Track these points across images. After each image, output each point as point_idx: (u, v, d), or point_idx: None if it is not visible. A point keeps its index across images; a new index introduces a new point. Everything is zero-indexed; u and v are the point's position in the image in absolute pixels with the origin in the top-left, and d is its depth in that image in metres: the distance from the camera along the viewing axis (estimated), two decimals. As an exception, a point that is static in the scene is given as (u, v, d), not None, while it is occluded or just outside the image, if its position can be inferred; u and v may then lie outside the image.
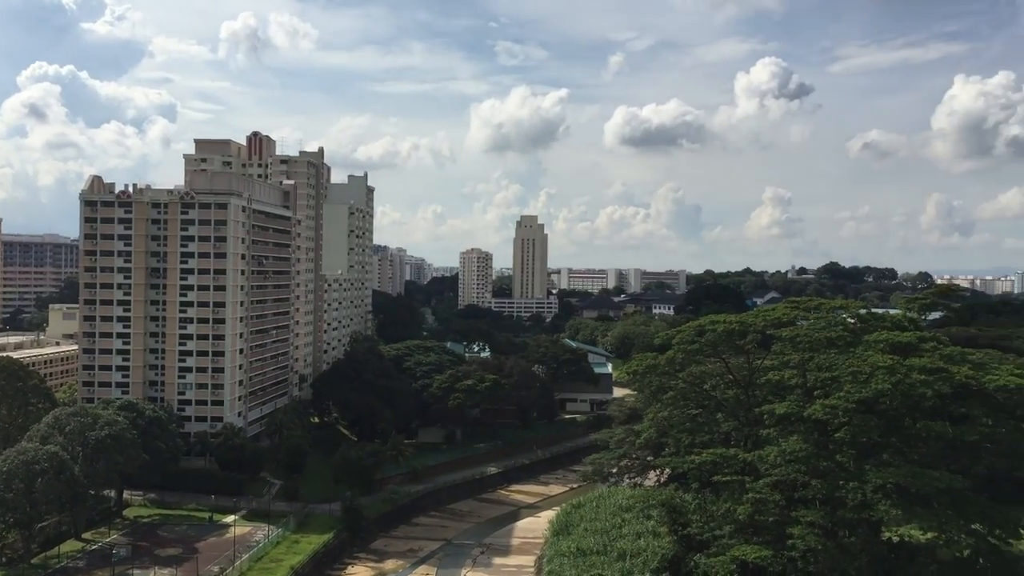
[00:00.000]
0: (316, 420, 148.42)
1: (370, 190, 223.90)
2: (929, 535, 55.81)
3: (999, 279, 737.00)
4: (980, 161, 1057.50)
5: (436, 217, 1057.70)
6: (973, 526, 59.03)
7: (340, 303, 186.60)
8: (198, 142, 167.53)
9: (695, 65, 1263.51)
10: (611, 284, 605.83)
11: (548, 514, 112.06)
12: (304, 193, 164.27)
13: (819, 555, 60.83)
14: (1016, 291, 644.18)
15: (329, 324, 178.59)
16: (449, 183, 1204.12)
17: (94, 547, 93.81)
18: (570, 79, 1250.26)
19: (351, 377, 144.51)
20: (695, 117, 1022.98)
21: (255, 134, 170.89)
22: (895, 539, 57.71)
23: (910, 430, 64.34)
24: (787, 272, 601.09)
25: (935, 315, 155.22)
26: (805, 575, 65.37)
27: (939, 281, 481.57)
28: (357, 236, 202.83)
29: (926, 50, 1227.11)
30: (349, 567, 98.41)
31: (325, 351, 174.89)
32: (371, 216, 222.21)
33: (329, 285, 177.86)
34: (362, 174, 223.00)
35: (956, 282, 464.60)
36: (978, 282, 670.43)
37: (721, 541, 69.86)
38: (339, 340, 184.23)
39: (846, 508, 61.88)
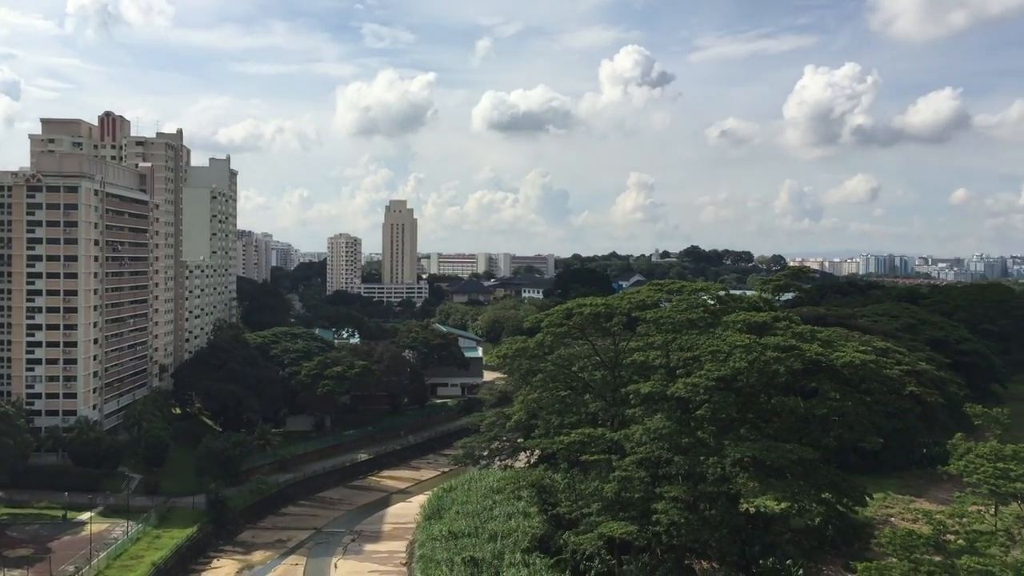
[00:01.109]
0: (178, 411, 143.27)
1: (233, 173, 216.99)
2: (783, 505, 58.64)
3: (846, 261, 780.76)
4: (828, 149, 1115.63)
5: (303, 201, 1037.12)
6: (823, 495, 62.36)
7: (203, 290, 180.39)
8: (45, 121, 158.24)
9: (561, 52, 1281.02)
10: (481, 269, 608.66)
11: (420, 499, 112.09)
12: (162, 176, 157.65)
13: (682, 528, 63.07)
14: (861, 272, 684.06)
15: (191, 312, 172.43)
16: (316, 167, 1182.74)
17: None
18: (438, 63, 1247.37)
19: (215, 366, 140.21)
20: (561, 103, 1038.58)
21: (108, 114, 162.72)
22: (752, 510, 60.44)
23: (765, 405, 67.42)
24: (651, 255, 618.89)
25: (788, 296, 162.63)
26: (669, 548, 67.79)
27: (792, 263, 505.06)
28: (220, 221, 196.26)
29: (779, 42, 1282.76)
30: (215, 560, 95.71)
31: (187, 340, 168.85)
32: (234, 200, 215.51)
33: (191, 272, 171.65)
34: (224, 157, 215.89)
35: (807, 264, 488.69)
36: (827, 264, 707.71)
37: (589, 518, 71.48)
38: (202, 328, 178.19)
39: (707, 482, 64.31)
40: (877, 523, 78.84)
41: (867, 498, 69.26)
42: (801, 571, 70.92)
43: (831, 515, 63.37)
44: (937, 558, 47.50)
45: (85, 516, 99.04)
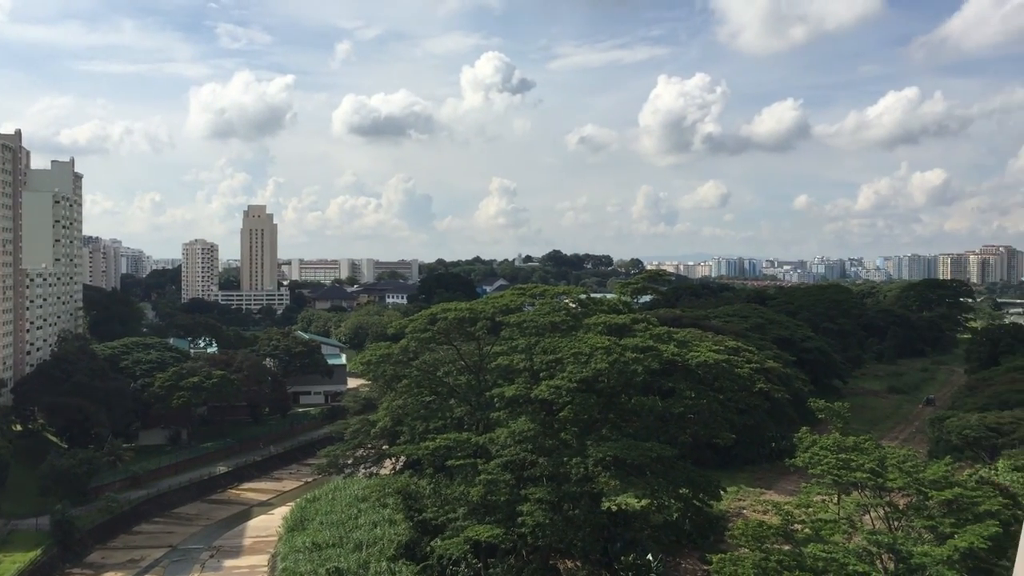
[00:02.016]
0: (19, 428, 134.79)
1: (78, 177, 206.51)
2: (643, 502, 60.28)
3: (699, 264, 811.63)
4: (681, 156, 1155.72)
5: (155, 206, 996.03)
6: (681, 491, 64.49)
7: (45, 300, 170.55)
8: None
9: (423, 56, 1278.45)
10: (344, 274, 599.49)
11: (282, 510, 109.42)
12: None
13: (547, 529, 63.94)
14: (713, 274, 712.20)
15: (32, 323, 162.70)
16: (168, 170, 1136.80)
17: None
18: (296, 65, 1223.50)
19: (60, 379, 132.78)
20: (423, 108, 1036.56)
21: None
22: (613, 508, 61.92)
23: (625, 405, 69.19)
24: (514, 260, 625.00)
25: (646, 298, 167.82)
26: (534, 549, 68.63)
27: (649, 267, 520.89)
28: (63, 227, 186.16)
29: (633, 52, 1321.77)
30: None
31: (28, 352, 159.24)
32: (80, 205, 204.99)
33: (31, 280, 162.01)
34: (68, 159, 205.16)
35: (663, 267, 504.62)
36: (682, 267, 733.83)
37: (455, 523, 71.51)
38: (45, 340, 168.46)
39: (570, 482, 65.44)
40: (731, 516, 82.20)
41: (721, 492, 72.09)
42: (661, 565, 73.32)
43: (688, 510, 65.61)
44: (786, 547, 49.90)
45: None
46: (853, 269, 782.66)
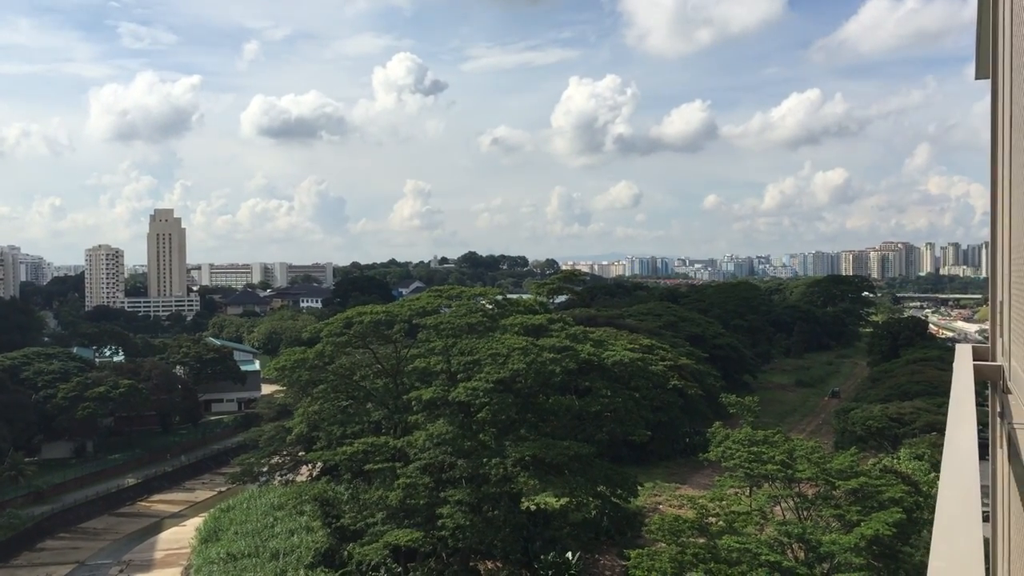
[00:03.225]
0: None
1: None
2: (562, 501, 60.82)
3: (613, 263, 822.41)
4: (593, 157, 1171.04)
5: (55, 211, 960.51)
6: (599, 488, 65.27)
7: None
8: None
9: (333, 57, 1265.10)
10: (256, 279, 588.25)
11: (195, 521, 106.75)
12: None
13: (467, 531, 63.92)
14: (627, 273, 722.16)
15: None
16: (69, 174, 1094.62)
17: None
18: (202, 66, 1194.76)
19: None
20: (335, 109, 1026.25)
21: None
22: (533, 507, 62.30)
23: (543, 405, 69.72)
24: (430, 262, 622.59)
25: (562, 298, 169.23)
26: (455, 551, 68.55)
27: (564, 267, 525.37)
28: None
29: (545, 54, 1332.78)
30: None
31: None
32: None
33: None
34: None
35: (578, 267, 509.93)
36: (596, 267, 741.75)
37: (374, 528, 70.96)
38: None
39: (490, 483, 65.57)
40: (647, 511, 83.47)
41: (638, 488, 73.25)
42: (580, 563, 74.07)
43: (606, 507, 66.46)
44: (701, 540, 51.00)
45: None
46: (761, 266, 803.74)
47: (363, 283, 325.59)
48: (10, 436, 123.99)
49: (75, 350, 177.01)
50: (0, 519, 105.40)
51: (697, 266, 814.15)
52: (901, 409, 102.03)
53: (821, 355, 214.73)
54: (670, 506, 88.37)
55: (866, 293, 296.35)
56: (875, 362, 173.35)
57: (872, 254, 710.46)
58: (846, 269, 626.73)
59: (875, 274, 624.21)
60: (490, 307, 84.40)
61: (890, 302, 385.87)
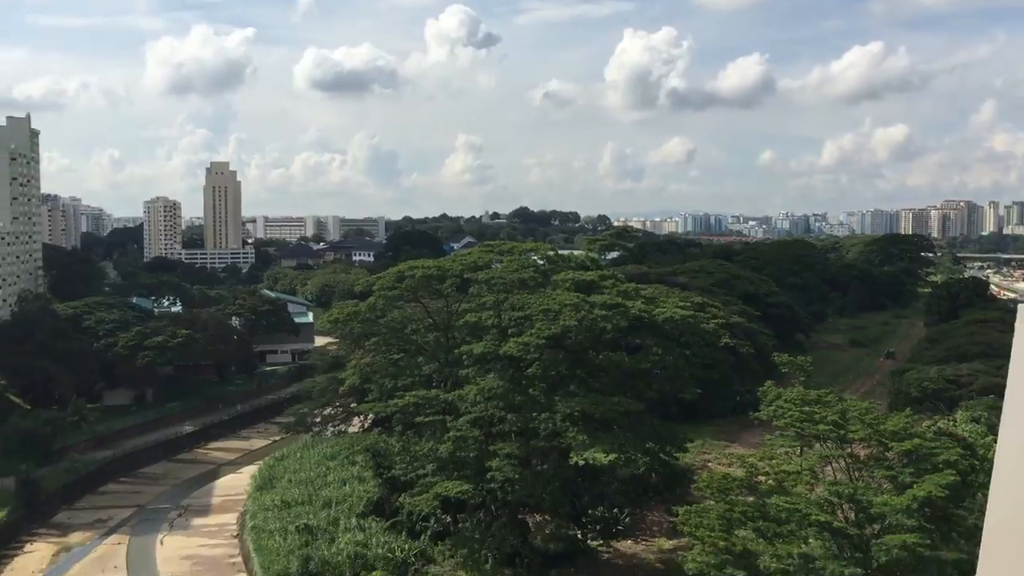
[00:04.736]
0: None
1: (34, 133, 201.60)
2: (611, 456, 60.88)
3: (665, 220, 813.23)
4: (646, 112, 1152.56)
5: (114, 163, 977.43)
6: (647, 445, 65.28)
7: (3, 259, 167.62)
8: None
9: (387, 10, 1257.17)
10: (310, 232, 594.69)
11: (250, 469, 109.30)
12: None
13: (516, 484, 64.58)
14: (680, 231, 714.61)
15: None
16: (127, 127, 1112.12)
17: None
18: (256, 19, 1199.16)
19: (20, 340, 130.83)
20: (387, 62, 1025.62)
21: None
22: (581, 462, 62.48)
23: (593, 362, 69.69)
24: (481, 217, 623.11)
25: (613, 254, 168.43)
26: (503, 504, 69.30)
27: (616, 223, 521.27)
28: (21, 184, 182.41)
29: (600, 6, 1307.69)
30: (27, 545, 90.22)
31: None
32: (37, 162, 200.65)
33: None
34: (23, 115, 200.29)
35: (630, 224, 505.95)
36: (648, 223, 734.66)
37: (424, 480, 71.95)
38: (4, 300, 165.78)
39: (539, 438, 66.01)
40: (696, 469, 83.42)
41: (687, 446, 73.13)
42: (628, 518, 74.44)
43: (655, 463, 66.48)
44: (750, 498, 50.79)
45: None
46: (817, 224, 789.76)
47: (415, 237, 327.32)
48: (73, 383, 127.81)
49: (134, 300, 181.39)
50: (64, 463, 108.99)
51: (751, 224, 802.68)
52: (958, 371, 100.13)
53: (877, 315, 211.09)
54: (719, 464, 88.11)
55: (925, 253, 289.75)
56: (933, 323, 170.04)
57: (933, 213, 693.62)
58: (905, 228, 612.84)
59: (935, 233, 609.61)
60: (541, 263, 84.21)
61: (950, 262, 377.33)
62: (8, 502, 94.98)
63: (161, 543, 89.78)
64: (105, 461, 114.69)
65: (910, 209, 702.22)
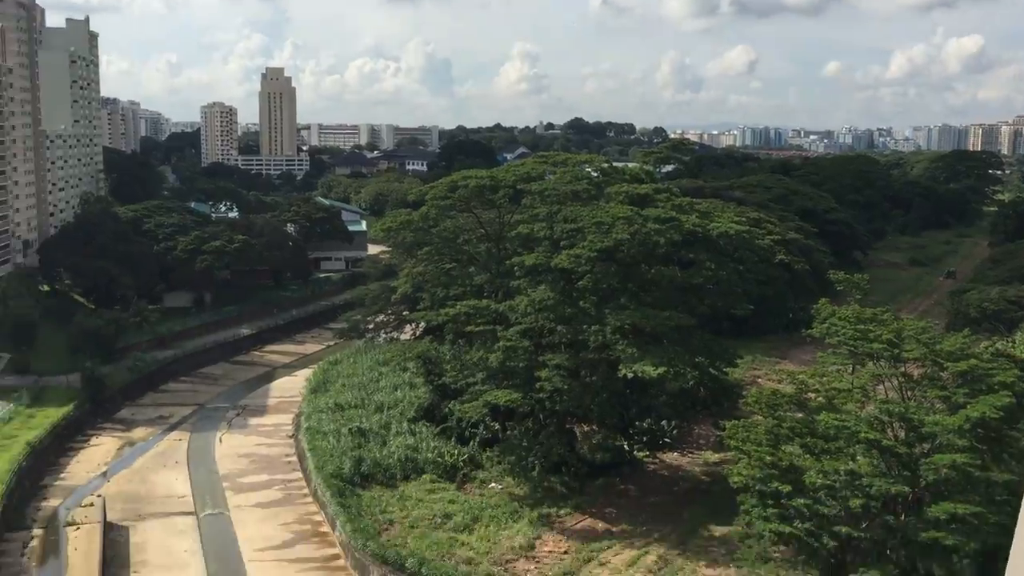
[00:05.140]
0: (46, 289, 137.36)
1: (93, 35, 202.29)
2: (660, 370, 61.03)
3: (724, 133, 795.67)
4: (708, 20, 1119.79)
5: (171, 67, 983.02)
6: (697, 359, 65.27)
7: (66, 161, 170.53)
8: None
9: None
10: (363, 140, 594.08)
11: (305, 373, 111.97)
12: (14, 38, 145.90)
13: (564, 394, 65.27)
14: (738, 144, 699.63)
15: (54, 184, 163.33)
16: (183, 31, 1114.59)
17: None
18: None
19: (83, 241, 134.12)
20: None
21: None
22: (630, 375, 62.76)
23: (645, 275, 69.31)
24: (535, 128, 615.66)
25: (669, 168, 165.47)
26: (551, 413, 70.20)
27: (672, 136, 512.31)
28: (81, 88, 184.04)
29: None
30: (94, 438, 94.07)
31: (52, 214, 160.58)
32: (96, 65, 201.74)
33: (52, 141, 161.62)
34: (83, 18, 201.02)
35: (687, 136, 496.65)
36: (706, 136, 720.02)
37: (474, 388, 73.04)
38: (67, 202, 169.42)
39: (588, 350, 66.30)
40: (745, 384, 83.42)
41: (737, 361, 72.96)
42: (674, 430, 75.01)
43: (704, 378, 66.53)
44: (799, 415, 50.70)
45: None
46: (881, 139, 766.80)
47: (468, 147, 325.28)
48: (134, 285, 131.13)
49: (192, 205, 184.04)
50: (126, 361, 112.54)
51: (813, 138, 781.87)
52: (1021, 292, 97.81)
53: (939, 234, 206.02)
54: (769, 380, 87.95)
55: (993, 170, 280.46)
56: (997, 243, 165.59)
57: (1004, 128, 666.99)
58: (974, 144, 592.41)
59: (1005, 150, 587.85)
60: (595, 175, 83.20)
61: (1019, 180, 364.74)
62: (75, 397, 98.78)
63: (220, 441, 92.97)
64: (166, 361, 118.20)
65: (980, 125, 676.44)
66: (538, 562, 58.86)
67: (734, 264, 70.87)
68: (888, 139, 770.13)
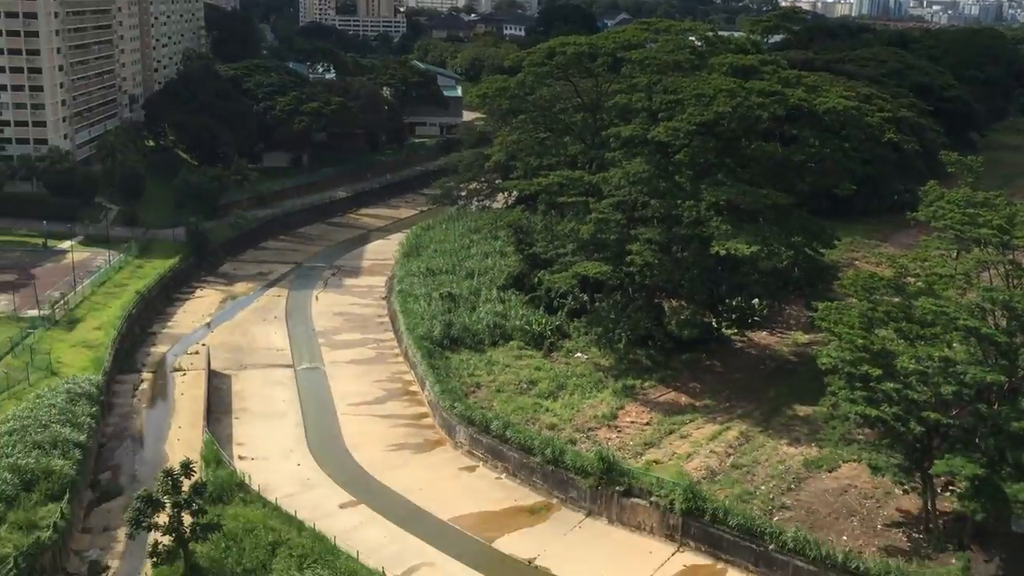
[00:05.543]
0: (151, 144, 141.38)
1: None
2: (753, 248, 60.08)
3: (838, 2, 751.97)
4: None
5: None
6: (793, 239, 63.96)
7: (168, 17, 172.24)
8: None
9: None
10: (461, 2, 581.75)
11: (398, 237, 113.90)
12: None
13: (655, 269, 65.04)
14: (853, 14, 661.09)
15: (158, 40, 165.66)
16: None
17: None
18: None
19: (186, 98, 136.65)
20: None
21: None
22: (722, 252, 61.95)
23: (745, 151, 67.41)
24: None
25: (777, 38, 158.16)
26: (641, 287, 70.26)
27: (783, 4, 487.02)
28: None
29: None
30: (198, 290, 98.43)
31: (156, 70, 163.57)
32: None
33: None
34: None
35: (798, 5, 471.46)
36: (819, 5, 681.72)
37: (564, 259, 73.39)
38: (170, 58, 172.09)
39: (681, 225, 65.52)
40: (842, 266, 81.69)
41: (835, 242, 71.18)
42: (765, 309, 74.31)
43: (799, 258, 65.31)
44: (896, 299, 49.48)
45: (66, 245, 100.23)
46: (1011, 11, 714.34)
47: (568, 12, 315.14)
48: (235, 143, 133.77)
49: (291, 65, 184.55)
50: (228, 218, 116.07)
51: (935, 8, 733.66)
52: None
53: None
54: (867, 263, 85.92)
55: None
56: None
57: None
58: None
59: None
60: (699, 44, 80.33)
61: None
62: (180, 250, 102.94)
63: (316, 299, 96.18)
64: (265, 219, 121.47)
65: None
66: (619, 431, 60.14)
67: (839, 142, 68.26)
68: (1019, 11, 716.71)
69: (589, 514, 54.49)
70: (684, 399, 64.31)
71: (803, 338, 73.98)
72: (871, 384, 45.76)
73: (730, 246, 60.81)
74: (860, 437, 51.55)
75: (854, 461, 52.38)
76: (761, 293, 70.74)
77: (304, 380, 75.69)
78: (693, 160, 65.19)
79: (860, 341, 46.33)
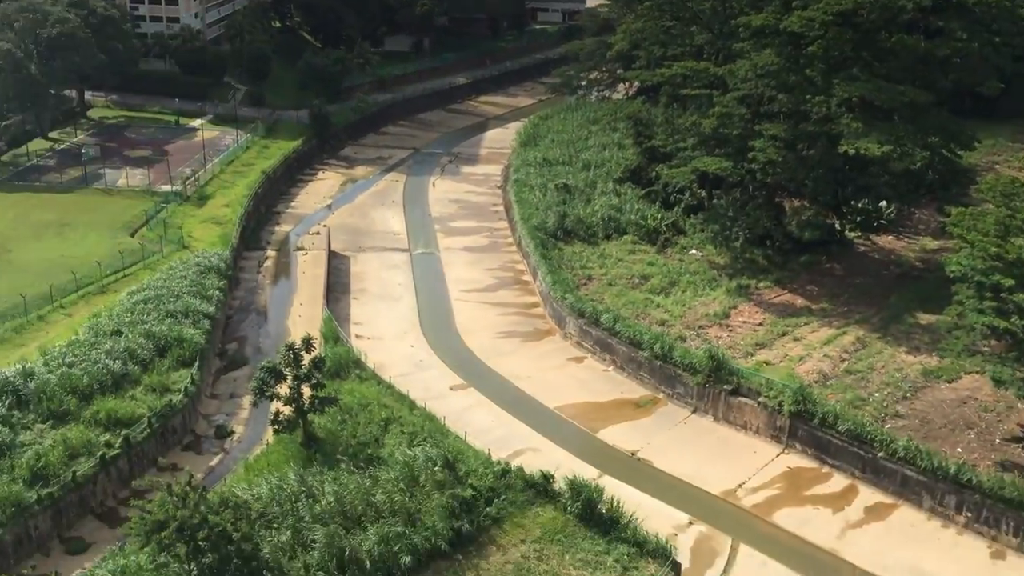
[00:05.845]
0: (278, 24, 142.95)
1: None
2: (885, 148, 57.31)
3: None
4: None
5: None
6: (930, 139, 60.67)
7: None
8: None
9: None
10: None
11: (515, 125, 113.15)
12: None
13: (778, 167, 62.89)
14: None
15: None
16: None
17: (62, 146, 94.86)
18: None
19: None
20: None
21: None
22: (851, 152, 59.30)
23: (883, 44, 63.40)
24: None
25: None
26: (761, 185, 68.27)
27: None
28: None
29: None
30: (320, 172, 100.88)
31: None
32: None
33: None
34: None
35: None
36: None
37: (684, 153, 71.72)
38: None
39: (809, 122, 62.91)
40: (981, 170, 77.19)
41: (975, 144, 67.07)
42: (892, 213, 71.33)
43: (934, 159, 62.04)
44: (1037, 207, 46.70)
45: (196, 123, 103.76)
46: None
47: None
48: (358, 26, 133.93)
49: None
50: (351, 102, 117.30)
51: None
52: None
53: None
54: (1009, 167, 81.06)
55: None
56: None
57: None
58: None
59: None
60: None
61: None
62: (303, 132, 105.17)
63: (433, 185, 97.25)
64: (386, 103, 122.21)
65: None
66: (731, 330, 59.58)
67: (989, 35, 63.46)
68: None
69: (695, 411, 54.70)
70: (800, 301, 62.96)
71: (932, 244, 70.87)
72: (1002, 295, 43.74)
73: (860, 145, 58.18)
74: (985, 349, 49.58)
75: (976, 373, 50.66)
76: (890, 196, 67.73)
77: (419, 265, 77.37)
78: (827, 53, 61.90)
79: (994, 249, 44.10)
